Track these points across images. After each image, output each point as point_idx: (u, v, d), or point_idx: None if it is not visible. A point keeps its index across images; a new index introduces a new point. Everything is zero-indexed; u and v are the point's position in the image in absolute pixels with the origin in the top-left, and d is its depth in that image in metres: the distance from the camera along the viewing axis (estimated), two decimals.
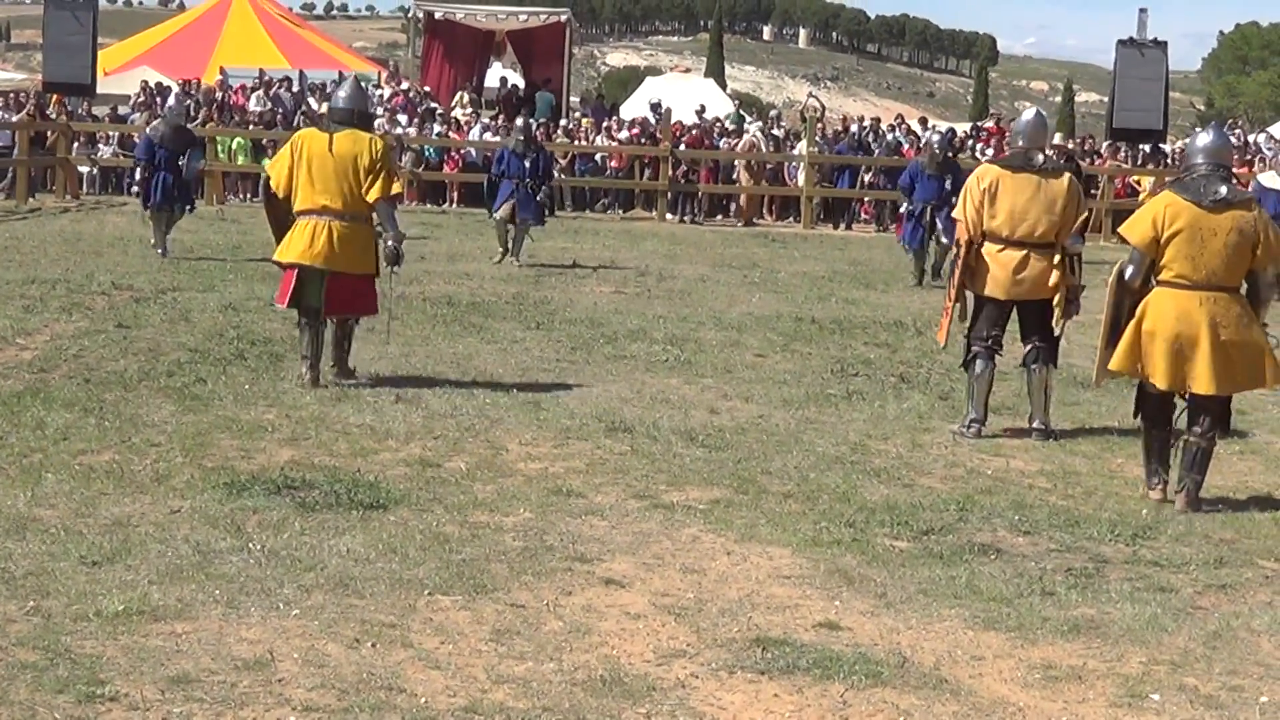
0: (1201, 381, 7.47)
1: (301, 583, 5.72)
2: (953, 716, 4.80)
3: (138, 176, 18.11)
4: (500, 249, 17.68)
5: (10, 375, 9.48)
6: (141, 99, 29.41)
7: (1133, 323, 7.61)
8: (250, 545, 6.14)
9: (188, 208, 17.72)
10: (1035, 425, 9.17)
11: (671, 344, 12.11)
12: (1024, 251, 9.00)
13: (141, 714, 4.50)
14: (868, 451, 8.53)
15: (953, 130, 28.00)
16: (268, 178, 9.85)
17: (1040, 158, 9.21)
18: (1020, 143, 9.33)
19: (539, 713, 4.66)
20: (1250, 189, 19.90)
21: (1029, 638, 5.54)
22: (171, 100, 22.27)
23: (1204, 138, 7.93)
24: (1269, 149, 30.67)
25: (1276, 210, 18.56)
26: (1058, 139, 28.93)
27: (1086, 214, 9.37)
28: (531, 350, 11.51)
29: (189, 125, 20.42)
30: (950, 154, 18.29)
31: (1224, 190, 7.53)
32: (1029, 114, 10.12)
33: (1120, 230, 7.94)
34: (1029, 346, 9.17)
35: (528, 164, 17.88)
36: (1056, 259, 9.00)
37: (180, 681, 4.74)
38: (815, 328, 13.52)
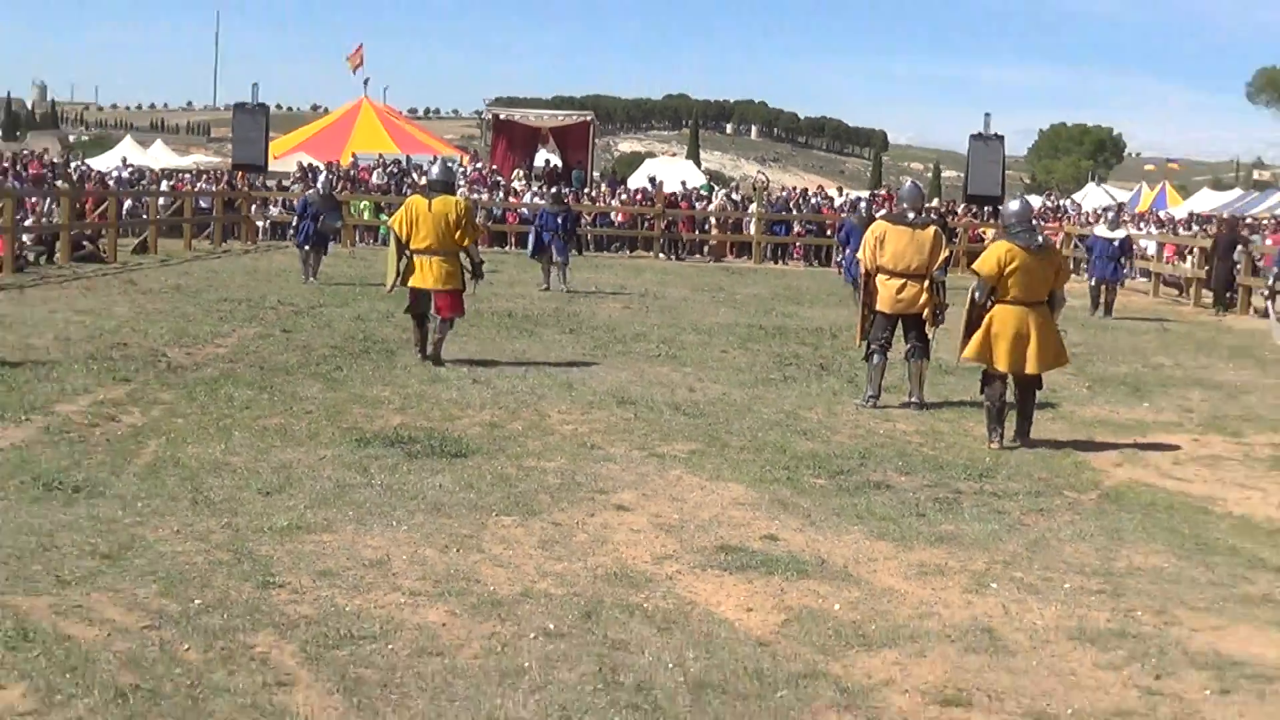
0: (1032, 364, 7.78)
1: (408, 507, 5.73)
2: (857, 599, 4.81)
3: (295, 224, 18.27)
4: (545, 283, 17.55)
5: (210, 365, 9.50)
6: (298, 175, 29.37)
7: (983, 327, 7.83)
8: (373, 481, 6.15)
9: (324, 252, 17.80)
10: (913, 400, 9.15)
11: (663, 343, 12.10)
12: (903, 280, 9.00)
13: (300, 595, 4.52)
14: (798, 418, 8.52)
15: (874, 195, 27.83)
16: (394, 230, 10.05)
17: (912, 215, 9.17)
18: (903, 205, 9.34)
19: (572, 597, 4.67)
20: (1089, 240, 18.91)
21: (908, 546, 5.55)
22: (323, 176, 22.33)
23: (1013, 205, 8.17)
24: (1100, 210, 30.41)
25: (1104, 252, 17.76)
26: (935, 202, 28.76)
27: (948, 253, 9.33)
28: (566, 348, 11.50)
29: (334, 193, 20.45)
30: (874, 214, 17.59)
31: (1040, 239, 7.93)
32: (908, 185, 10.10)
33: (973, 266, 8.06)
34: (909, 345, 9.16)
35: (560, 220, 17.87)
36: (926, 285, 9.01)
37: (326, 574, 4.76)
38: (762, 332, 13.50)
